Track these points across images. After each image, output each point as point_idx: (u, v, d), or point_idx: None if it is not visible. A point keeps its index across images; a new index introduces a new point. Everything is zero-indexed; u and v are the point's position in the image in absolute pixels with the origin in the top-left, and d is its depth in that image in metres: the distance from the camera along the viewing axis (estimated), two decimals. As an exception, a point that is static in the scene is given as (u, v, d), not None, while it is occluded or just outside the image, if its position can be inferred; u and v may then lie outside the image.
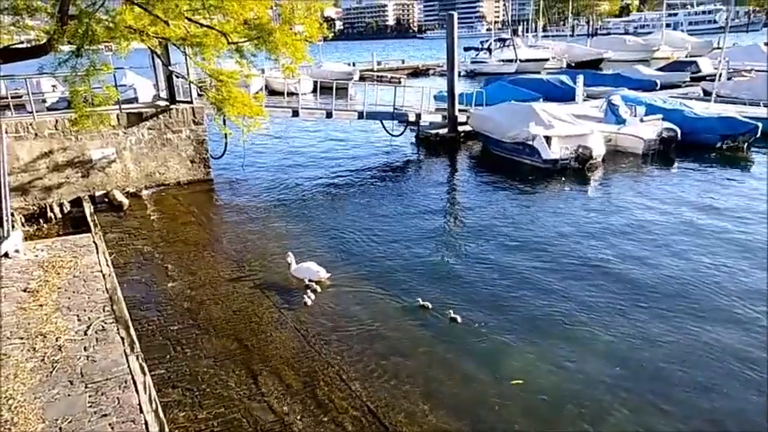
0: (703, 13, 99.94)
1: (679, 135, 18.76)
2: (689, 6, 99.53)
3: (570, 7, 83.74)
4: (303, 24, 12.00)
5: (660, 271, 10.22)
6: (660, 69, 37.64)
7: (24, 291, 9.02)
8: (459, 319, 8.69)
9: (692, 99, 24.56)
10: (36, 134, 14.57)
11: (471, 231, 12.91)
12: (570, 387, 7.07)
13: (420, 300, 9.27)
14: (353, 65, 50.50)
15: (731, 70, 30.80)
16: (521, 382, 7.20)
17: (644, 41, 59.02)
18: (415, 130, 23.35)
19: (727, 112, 20.66)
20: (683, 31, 68.31)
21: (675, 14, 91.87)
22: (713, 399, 6.81)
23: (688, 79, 34.82)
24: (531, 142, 17.55)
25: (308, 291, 9.75)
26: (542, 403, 6.82)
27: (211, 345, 8.21)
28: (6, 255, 10.36)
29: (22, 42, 11.97)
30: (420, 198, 15.68)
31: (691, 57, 45.74)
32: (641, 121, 19.71)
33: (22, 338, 7.54)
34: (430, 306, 9.12)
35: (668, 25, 69.29)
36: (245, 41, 11.65)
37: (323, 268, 10.18)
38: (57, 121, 14.81)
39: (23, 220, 13.73)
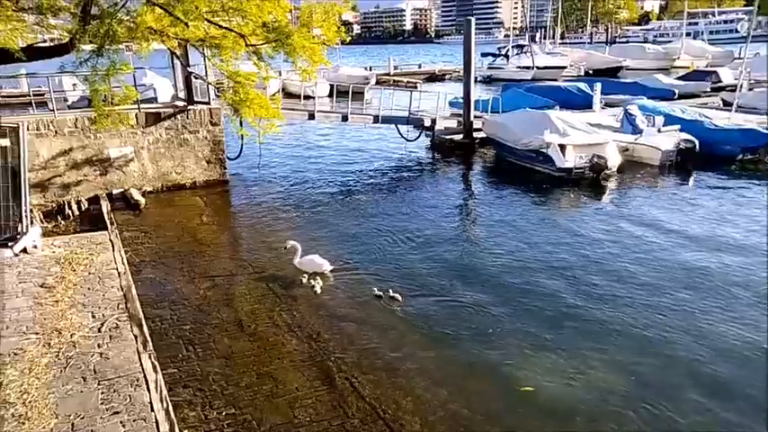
0: (724, 22, 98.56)
1: (697, 146, 18.50)
2: (710, 15, 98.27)
3: (589, 14, 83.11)
4: (321, 28, 12.04)
5: (673, 282, 10.10)
6: (680, 78, 37.17)
7: (41, 286, 9.14)
8: (400, 298, 9.40)
9: (711, 109, 24.24)
10: (56, 132, 14.80)
11: (480, 235, 12.93)
12: (581, 397, 7.01)
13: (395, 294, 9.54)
14: (370, 69, 50.56)
15: (752, 81, 30.36)
16: (531, 389, 7.16)
17: (664, 50, 58.41)
18: (429, 136, 23.33)
19: (748, 123, 20.36)
20: (703, 40, 67.42)
21: (696, 23, 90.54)
22: (726, 407, 6.71)
23: (708, 89, 34.33)
24: (545, 150, 17.43)
25: (314, 283, 9.99)
26: (553, 410, 6.76)
27: (223, 345, 8.26)
28: (25, 250, 10.52)
29: (45, 41, 12.15)
30: (432, 202, 15.67)
31: (711, 66, 45.16)
32: (659, 131, 19.46)
33: (37, 334, 7.63)
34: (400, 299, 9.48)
35: (688, 34, 68.40)
36: (263, 44, 11.71)
37: (326, 261, 10.33)
38: (77, 119, 15.02)
39: (42, 216, 13.91)
